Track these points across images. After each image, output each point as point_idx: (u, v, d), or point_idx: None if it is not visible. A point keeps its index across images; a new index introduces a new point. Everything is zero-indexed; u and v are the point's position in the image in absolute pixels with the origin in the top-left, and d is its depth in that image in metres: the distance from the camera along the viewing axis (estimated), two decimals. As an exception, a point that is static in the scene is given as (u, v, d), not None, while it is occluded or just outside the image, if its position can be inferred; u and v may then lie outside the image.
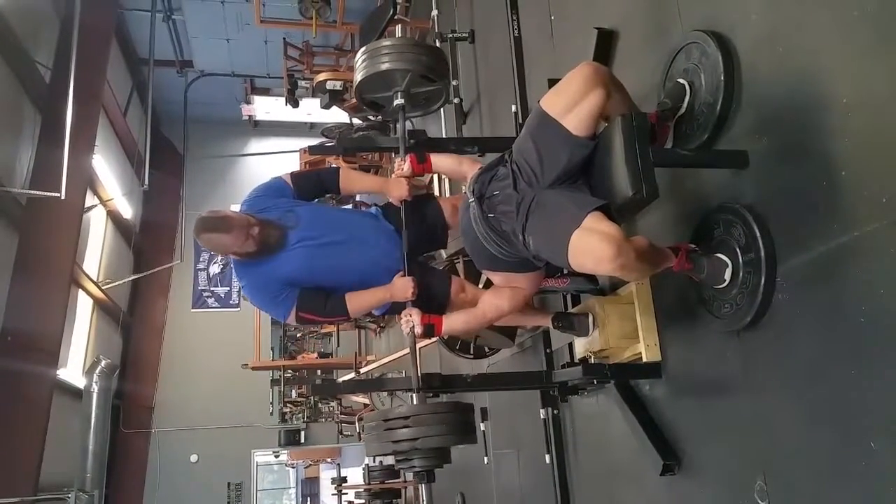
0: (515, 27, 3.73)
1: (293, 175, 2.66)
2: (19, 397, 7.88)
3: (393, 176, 2.58)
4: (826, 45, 1.77)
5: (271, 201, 2.57)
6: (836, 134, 1.73)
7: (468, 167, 2.39)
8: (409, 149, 2.59)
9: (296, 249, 2.49)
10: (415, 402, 2.17)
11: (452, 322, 2.45)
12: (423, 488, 2.08)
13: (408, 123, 2.71)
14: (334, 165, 2.83)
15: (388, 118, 2.76)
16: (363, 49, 2.54)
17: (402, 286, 2.44)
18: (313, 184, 2.69)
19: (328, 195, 2.87)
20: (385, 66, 2.46)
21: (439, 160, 2.55)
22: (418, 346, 5.66)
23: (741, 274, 2.00)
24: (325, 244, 2.52)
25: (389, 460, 9.78)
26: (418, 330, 2.34)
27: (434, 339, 4.93)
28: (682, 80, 2.29)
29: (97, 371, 9.90)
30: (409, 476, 8.73)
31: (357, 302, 2.54)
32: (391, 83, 2.55)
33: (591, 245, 1.80)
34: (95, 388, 9.79)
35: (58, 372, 9.01)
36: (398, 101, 2.56)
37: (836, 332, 1.72)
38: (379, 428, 2.01)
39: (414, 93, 2.59)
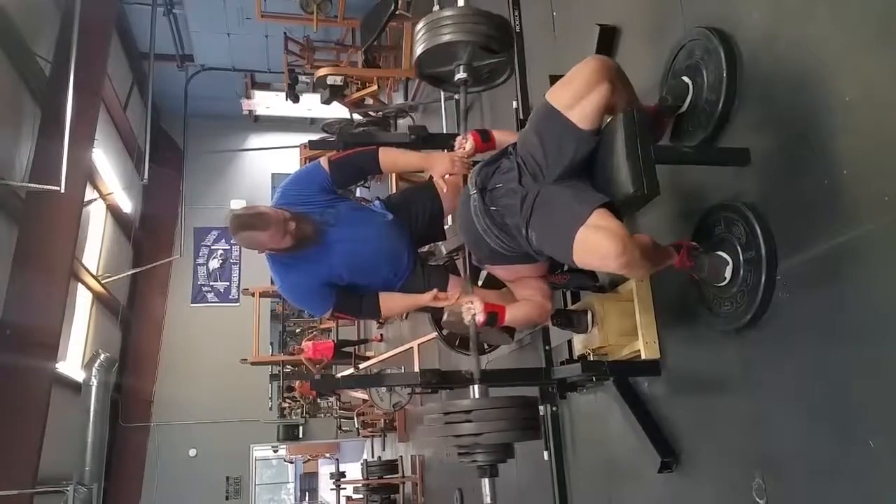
0: (517, 22, 3.72)
1: (331, 162, 2.54)
2: (19, 390, 7.89)
3: (456, 156, 2.46)
4: (829, 42, 1.77)
5: (310, 194, 2.51)
6: (839, 132, 1.73)
7: None
8: (414, 142, 2.53)
9: (337, 250, 2.46)
10: (476, 396, 2.09)
11: (516, 312, 2.31)
12: (485, 482, 2.02)
13: (408, 119, 2.68)
14: (370, 147, 2.69)
15: (451, 92, 2.64)
16: (423, 20, 2.44)
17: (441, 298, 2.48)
18: (353, 170, 2.60)
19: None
20: (445, 38, 2.31)
21: (503, 137, 2.43)
22: (418, 342, 5.68)
23: (742, 272, 2.00)
24: (362, 244, 2.50)
25: (388, 455, 9.74)
26: (480, 318, 2.19)
27: (433, 335, 4.91)
28: (684, 78, 2.29)
29: (96, 365, 9.92)
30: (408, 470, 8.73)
31: (390, 305, 2.60)
32: (453, 56, 2.41)
33: (597, 242, 1.79)
34: (94, 381, 9.81)
35: (57, 365, 9.02)
36: (460, 74, 2.42)
37: (837, 330, 1.72)
38: (440, 422, 1.94)
39: (476, 66, 2.44)
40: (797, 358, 1.86)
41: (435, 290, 2.54)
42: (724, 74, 2.10)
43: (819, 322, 1.77)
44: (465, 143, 2.38)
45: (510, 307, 2.27)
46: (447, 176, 2.54)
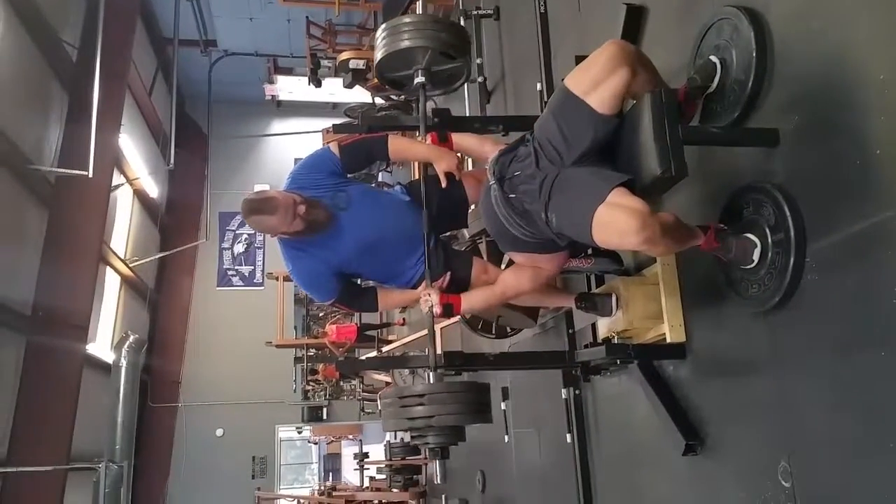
0: (542, 3, 3.68)
1: (341, 146, 2.58)
2: (51, 371, 8.07)
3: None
4: (862, 20, 1.73)
5: (320, 178, 2.53)
6: (872, 111, 1.69)
7: (490, 148, 2.36)
8: (429, 128, 2.56)
9: (347, 234, 2.48)
10: (432, 381, 2.18)
11: (471, 300, 2.45)
12: (437, 464, 2.11)
13: (431, 102, 2.68)
14: (381, 133, 2.75)
15: (410, 97, 2.72)
16: (382, 27, 2.50)
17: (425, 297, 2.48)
18: (361, 155, 2.62)
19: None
20: (405, 44, 2.41)
21: (461, 139, 2.51)
22: (440, 325, 5.69)
23: (770, 254, 1.97)
24: (374, 227, 2.52)
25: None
26: (437, 310, 2.33)
27: (456, 319, 4.93)
28: (713, 57, 2.25)
29: (125, 346, 10.07)
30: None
31: (387, 300, 2.69)
32: (411, 61, 2.50)
33: (616, 219, 1.79)
34: (124, 362, 9.97)
35: (87, 347, 9.20)
36: (419, 79, 2.51)
37: (866, 313, 1.69)
38: (395, 405, 2.03)
39: (435, 70, 2.53)
40: (825, 341, 1.84)
41: (424, 283, 2.56)
42: (754, 54, 2.06)
43: (848, 305, 1.75)
44: None
45: (465, 296, 2.44)
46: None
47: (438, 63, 2.52)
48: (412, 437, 2.10)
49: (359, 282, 2.74)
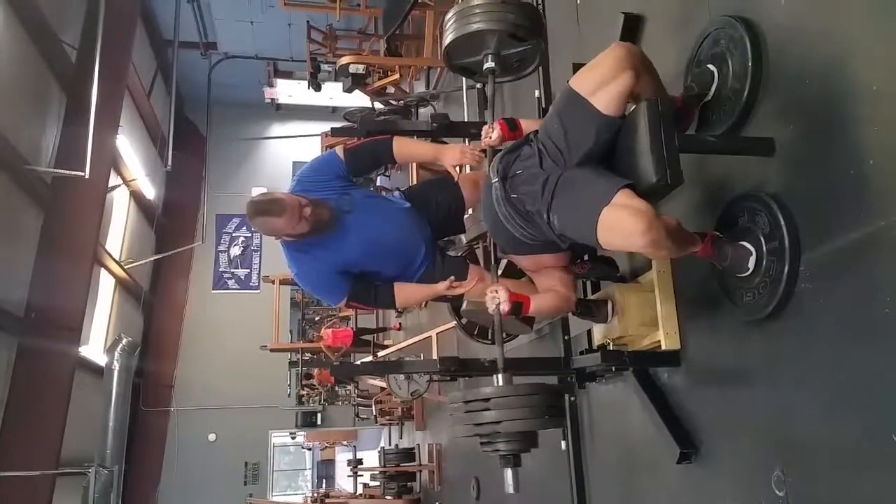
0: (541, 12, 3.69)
1: (346, 150, 2.58)
2: (42, 373, 8.03)
3: (481, 144, 2.43)
4: (857, 30, 1.74)
5: (325, 181, 2.54)
6: (865, 122, 1.70)
7: None
8: (436, 130, 2.54)
9: (352, 236, 2.48)
10: (500, 384, 2.07)
11: (540, 302, 2.30)
12: (507, 472, 2.00)
13: (430, 108, 2.67)
14: (385, 136, 2.71)
15: (480, 82, 2.62)
16: (451, 11, 2.44)
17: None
18: (367, 158, 2.63)
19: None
20: (473, 28, 2.30)
21: (531, 126, 2.40)
22: (437, 330, 5.68)
23: (765, 262, 1.98)
24: (377, 231, 2.52)
25: (405, 443, 9.72)
26: (505, 307, 2.13)
27: (452, 325, 4.92)
28: (709, 66, 2.27)
29: (118, 349, 10.04)
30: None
31: (405, 295, 2.63)
32: (480, 46, 2.40)
33: (622, 220, 1.78)
34: (116, 365, 9.94)
35: (80, 349, 9.16)
36: (488, 64, 2.40)
37: (860, 322, 1.70)
38: (460, 409, 1.92)
39: (504, 55, 2.42)
40: (820, 349, 1.84)
41: (450, 279, 2.55)
42: (749, 63, 2.07)
43: (843, 313, 1.76)
44: (492, 133, 2.32)
45: (535, 297, 2.24)
46: (466, 168, 2.55)
47: (508, 46, 2.40)
48: (481, 444, 2.00)
49: None
